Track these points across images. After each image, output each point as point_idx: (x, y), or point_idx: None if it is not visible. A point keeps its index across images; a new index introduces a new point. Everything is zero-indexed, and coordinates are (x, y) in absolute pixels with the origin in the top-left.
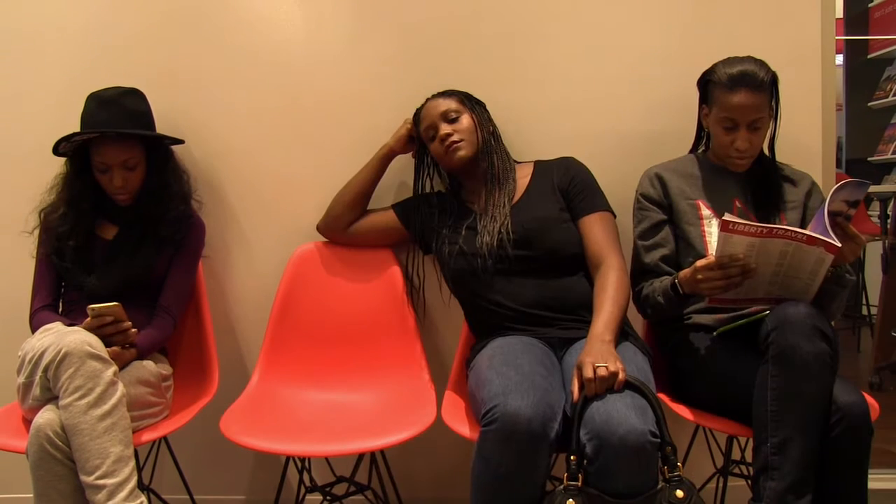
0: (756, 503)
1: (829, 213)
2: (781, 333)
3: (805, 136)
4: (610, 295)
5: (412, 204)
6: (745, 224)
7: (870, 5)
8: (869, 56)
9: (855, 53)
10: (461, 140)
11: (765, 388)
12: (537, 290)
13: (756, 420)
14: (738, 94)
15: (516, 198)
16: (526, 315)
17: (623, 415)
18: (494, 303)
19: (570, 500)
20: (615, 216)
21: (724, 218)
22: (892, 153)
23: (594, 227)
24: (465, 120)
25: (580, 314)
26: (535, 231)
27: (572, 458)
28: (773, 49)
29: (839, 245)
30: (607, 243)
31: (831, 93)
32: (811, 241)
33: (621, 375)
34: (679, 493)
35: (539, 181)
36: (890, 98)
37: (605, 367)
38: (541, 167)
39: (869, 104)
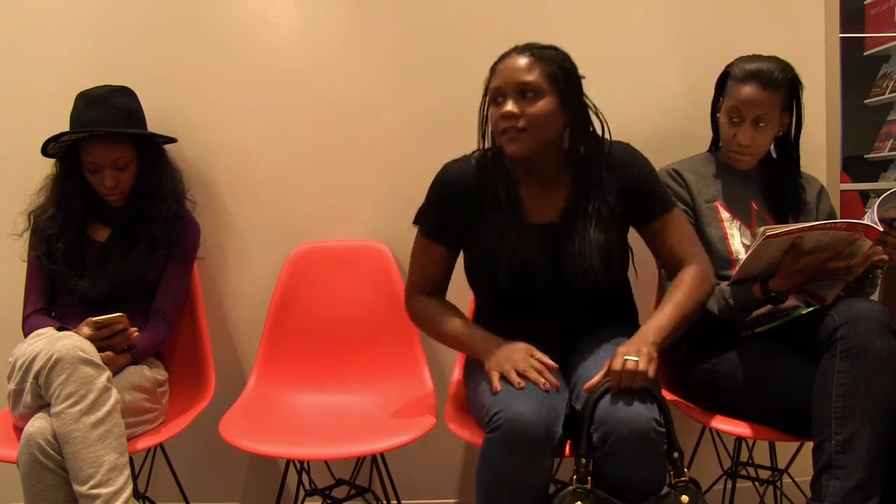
0: (817, 503)
1: (881, 220)
2: (854, 329)
3: (809, 134)
4: (677, 298)
5: (438, 221)
6: (786, 230)
7: (865, 2)
8: (865, 53)
9: (851, 51)
10: (523, 130)
11: (829, 384)
12: (570, 319)
13: (818, 417)
14: (747, 86)
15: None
16: (541, 339)
17: (628, 401)
18: (520, 329)
19: (579, 502)
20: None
21: (766, 235)
22: (889, 150)
23: (669, 230)
24: (543, 105)
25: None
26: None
27: (583, 459)
28: (778, 48)
29: (881, 229)
30: (688, 244)
31: (835, 92)
32: (851, 227)
33: (649, 372)
34: (684, 498)
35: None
36: (886, 95)
37: (636, 361)
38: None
39: (865, 101)
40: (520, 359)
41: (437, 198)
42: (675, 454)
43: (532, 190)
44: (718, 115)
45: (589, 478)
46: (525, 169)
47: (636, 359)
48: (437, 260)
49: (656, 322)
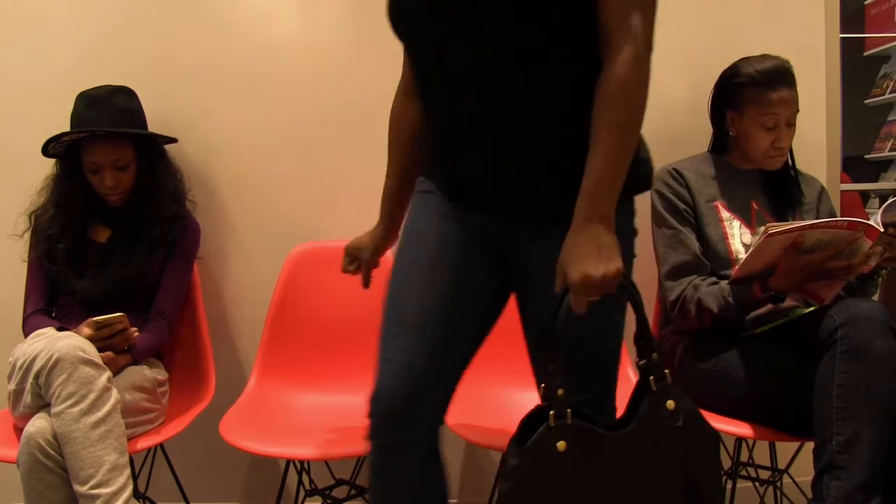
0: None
1: (885, 224)
2: (854, 329)
3: (809, 134)
4: (603, 127)
5: None
6: (788, 228)
7: (865, 2)
8: (865, 53)
9: (851, 51)
10: None
11: (829, 385)
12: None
13: (818, 418)
14: (779, 90)
15: None
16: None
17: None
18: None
19: (562, 441)
20: None
21: (769, 233)
22: (889, 150)
23: None
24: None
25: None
26: None
27: (559, 390)
28: (778, 48)
29: (882, 230)
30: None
31: (835, 91)
32: (852, 226)
33: (612, 285)
34: (670, 404)
35: None
36: (886, 95)
37: (596, 271)
38: None
39: (865, 101)
40: None
41: None
42: (654, 355)
43: None
44: (734, 126)
45: (568, 410)
46: None
47: (594, 270)
48: None
49: (591, 184)
